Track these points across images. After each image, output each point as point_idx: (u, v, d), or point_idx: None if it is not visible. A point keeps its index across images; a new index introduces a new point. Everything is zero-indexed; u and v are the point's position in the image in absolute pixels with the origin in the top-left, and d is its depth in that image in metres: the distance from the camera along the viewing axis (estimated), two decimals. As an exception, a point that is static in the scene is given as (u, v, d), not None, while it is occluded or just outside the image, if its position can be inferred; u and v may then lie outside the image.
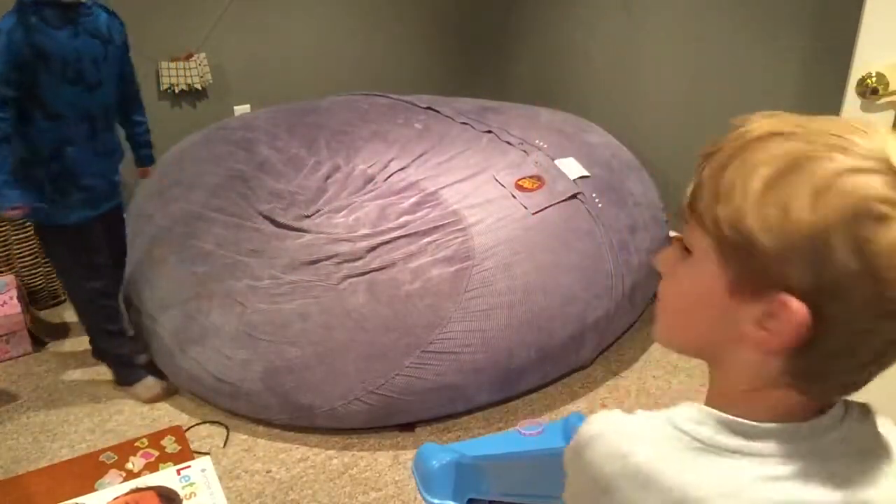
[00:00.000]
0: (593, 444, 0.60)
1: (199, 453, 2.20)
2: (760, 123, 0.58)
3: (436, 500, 1.95)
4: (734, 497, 0.55)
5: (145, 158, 2.59)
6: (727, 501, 0.55)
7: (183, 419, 2.37)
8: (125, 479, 2.10)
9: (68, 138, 2.19)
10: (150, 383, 2.45)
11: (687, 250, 0.62)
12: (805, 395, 0.59)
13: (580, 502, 0.62)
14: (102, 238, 2.43)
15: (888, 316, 0.53)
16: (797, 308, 0.53)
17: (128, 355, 2.49)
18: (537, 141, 2.76)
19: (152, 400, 2.44)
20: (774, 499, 0.55)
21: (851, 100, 1.82)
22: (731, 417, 0.59)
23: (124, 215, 2.61)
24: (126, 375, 2.48)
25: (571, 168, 2.60)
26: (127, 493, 1.94)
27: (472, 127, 2.93)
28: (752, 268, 0.55)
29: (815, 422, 0.59)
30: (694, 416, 0.60)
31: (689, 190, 0.61)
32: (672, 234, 2.97)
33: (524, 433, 2.19)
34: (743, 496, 0.55)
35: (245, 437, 2.28)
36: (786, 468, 0.56)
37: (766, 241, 0.53)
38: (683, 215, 0.62)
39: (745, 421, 0.58)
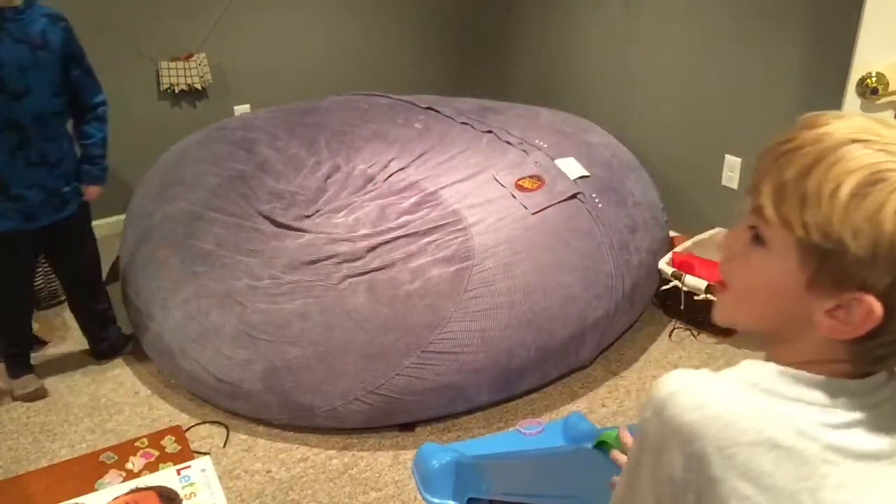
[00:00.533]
0: (671, 401, 0.65)
1: (199, 453, 2.20)
2: (838, 126, 0.63)
3: (436, 500, 1.95)
4: (804, 436, 0.62)
5: (86, 174, 2.37)
6: (799, 441, 0.62)
7: (183, 419, 2.37)
8: (125, 479, 2.10)
9: None
10: (25, 383, 2.49)
11: (758, 238, 0.67)
12: (858, 369, 0.66)
13: (658, 461, 0.67)
14: (55, 253, 2.40)
15: None
16: (875, 306, 0.61)
17: (24, 357, 2.52)
18: (537, 141, 2.76)
19: (22, 398, 2.47)
20: (837, 443, 0.63)
21: (851, 100, 1.82)
22: (792, 369, 0.66)
23: (90, 226, 2.49)
24: (13, 370, 2.50)
25: (571, 168, 2.60)
26: (127, 493, 1.94)
27: (472, 127, 2.93)
28: (834, 268, 0.62)
29: (864, 381, 0.66)
30: (757, 368, 0.67)
31: (761, 182, 0.66)
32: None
33: (524, 432, 2.19)
34: (810, 435, 0.63)
35: (245, 437, 2.28)
36: (844, 417, 0.64)
37: (854, 247, 0.60)
38: (757, 204, 0.66)
39: (804, 373, 0.66)
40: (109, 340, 2.66)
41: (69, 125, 2.34)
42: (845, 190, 0.60)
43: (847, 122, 0.63)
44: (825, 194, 0.61)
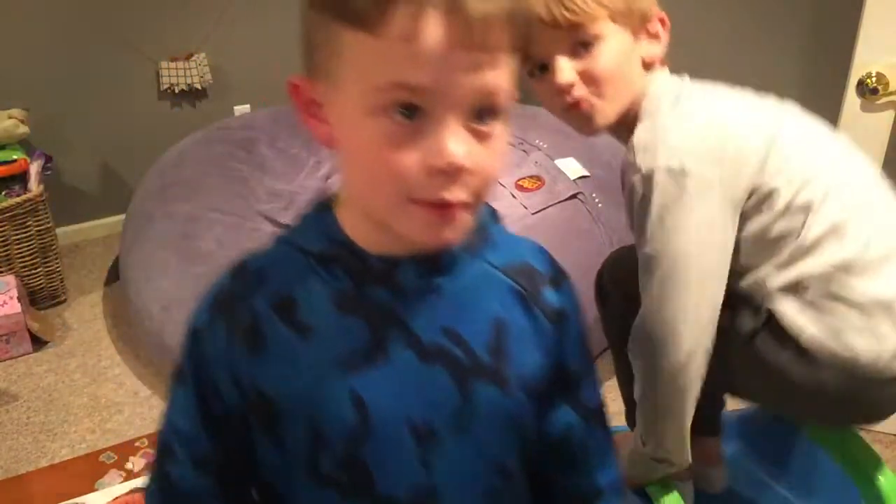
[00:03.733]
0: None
1: (199, 453, 2.20)
2: None
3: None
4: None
5: None
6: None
7: (183, 419, 2.37)
8: (125, 479, 2.10)
9: None
10: None
11: (586, 44, 1.11)
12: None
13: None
14: None
15: None
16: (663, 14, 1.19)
17: None
18: (537, 141, 2.76)
19: None
20: None
21: (851, 100, 1.83)
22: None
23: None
24: None
25: (571, 168, 2.60)
26: (127, 493, 1.94)
27: (472, 127, 2.94)
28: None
29: None
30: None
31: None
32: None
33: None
34: None
35: (245, 437, 2.27)
36: None
37: None
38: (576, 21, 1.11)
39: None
40: None
41: None
42: None
43: None
44: None
